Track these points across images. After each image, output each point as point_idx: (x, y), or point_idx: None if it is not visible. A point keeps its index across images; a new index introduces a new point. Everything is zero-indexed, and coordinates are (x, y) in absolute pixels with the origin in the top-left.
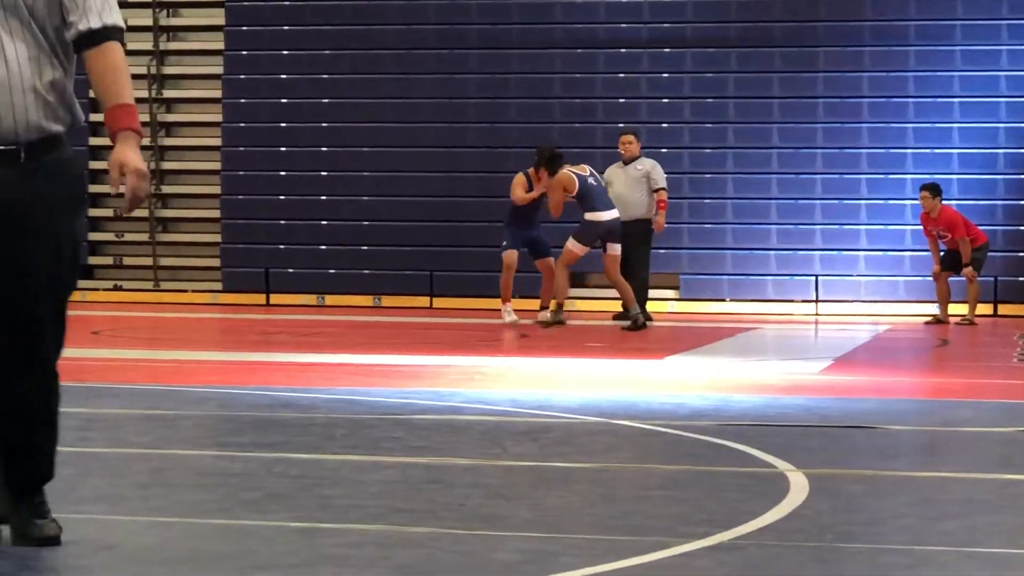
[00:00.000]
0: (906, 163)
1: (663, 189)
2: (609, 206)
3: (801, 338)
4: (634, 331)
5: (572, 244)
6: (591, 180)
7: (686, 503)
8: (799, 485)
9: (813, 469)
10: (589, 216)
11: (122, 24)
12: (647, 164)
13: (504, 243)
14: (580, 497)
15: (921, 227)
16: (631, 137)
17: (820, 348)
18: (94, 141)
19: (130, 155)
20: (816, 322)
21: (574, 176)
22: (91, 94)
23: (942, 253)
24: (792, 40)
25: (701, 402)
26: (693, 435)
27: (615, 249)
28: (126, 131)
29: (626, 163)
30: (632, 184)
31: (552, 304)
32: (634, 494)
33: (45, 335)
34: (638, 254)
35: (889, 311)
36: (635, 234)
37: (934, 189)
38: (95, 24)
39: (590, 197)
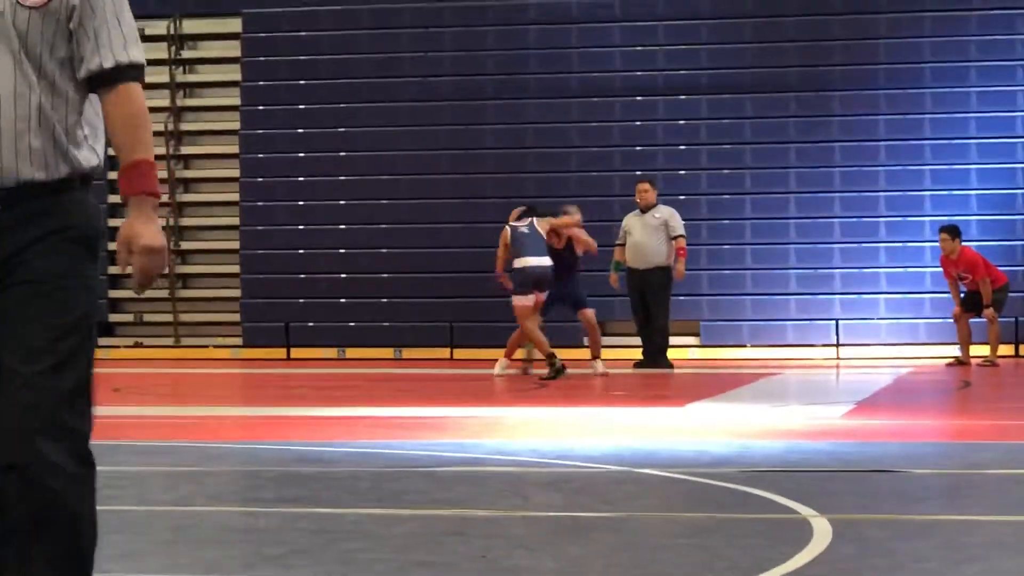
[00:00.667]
0: (924, 205)
1: (681, 236)
2: (539, 253)
3: (822, 382)
4: (553, 380)
5: (515, 299)
6: (523, 229)
7: (709, 551)
8: (822, 531)
9: (836, 514)
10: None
11: (142, 60)
12: (665, 212)
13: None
14: (603, 546)
15: (941, 269)
16: (647, 185)
17: (842, 392)
18: (113, 199)
19: (140, 228)
20: (837, 366)
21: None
22: (110, 152)
23: (963, 294)
24: (807, 85)
25: (723, 449)
26: (716, 482)
27: (540, 297)
28: (139, 196)
29: (643, 211)
30: (650, 232)
31: (521, 354)
32: (657, 542)
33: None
34: (658, 302)
35: (910, 353)
36: (654, 282)
37: (953, 231)
38: (108, 63)
39: (520, 245)
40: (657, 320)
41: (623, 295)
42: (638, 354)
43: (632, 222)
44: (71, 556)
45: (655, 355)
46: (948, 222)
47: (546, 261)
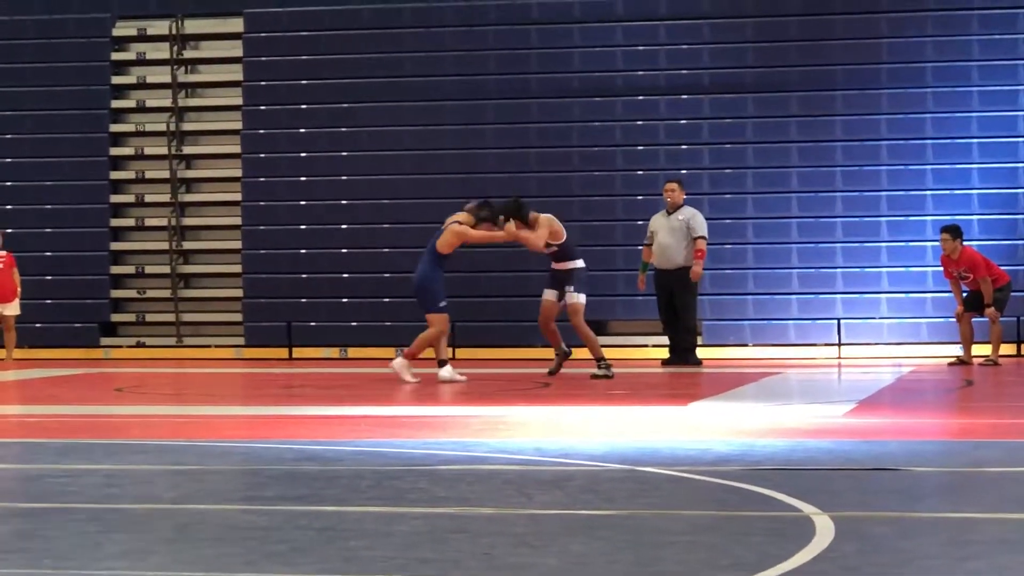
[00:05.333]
0: (926, 205)
1: (702, 237)
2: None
3: (824, 382)
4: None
5: (580, 297)
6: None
7: (712, 548)
8: (825, 528)
9: (839, 512)
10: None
11: None
12: (688, 212)
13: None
14: (606, 544)
15: (942, 269)
16: (674, 185)
17: (844, 391)
18: (115, 199)
19: None
20: (839, 365)
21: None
22: (112, 152)
23: (964, 294)
24: (809, 84)
25: (726, 447)
26: (718, 480)
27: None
28: None
29: (670, 212)
30: (674, 233)
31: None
32: (660, 540)
33: None
34: (684, 301)
35: (912, 353)
36: (680, 282)
37: (954, 231)
38: None
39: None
40: (684, 320)
41: (650, 295)
42: (665, 352)
43: (658, 222)
44: None
45: (684, 353)
46: (950, 221)
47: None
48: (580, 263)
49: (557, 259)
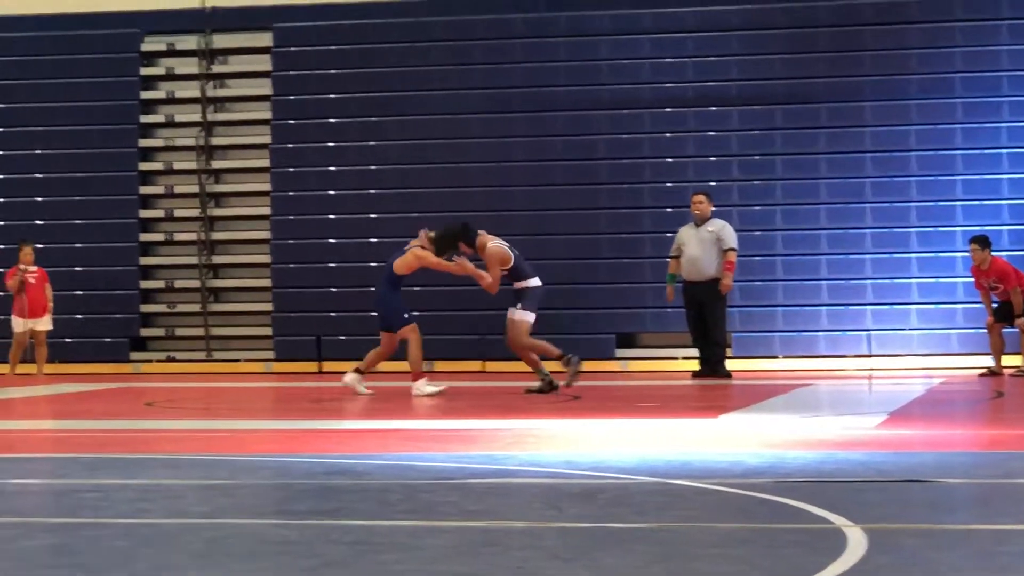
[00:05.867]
0: (956, 215)
1: (732, 249)
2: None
3: (855, 393)
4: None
5: (526, 314)
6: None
7: (744, 561)
8: (857, 540)
9: (871, 524)
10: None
11: None
12: (717, 224)
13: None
14: (638, 557)
15: (972, 279)
16: (702, 197)
17: (874, 403)
18: (145, 214)
19: None
20: (869, 377)
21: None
22: (141, 167)
23: (995, 305)
24: (838, 95)
25: (756, 460)
26: (749, 493)
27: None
28: None
29: (698, 224)
30: (703, 245)
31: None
32: (692, 553)
33: None
34: (715, 314)
35: (942, 364)
36: (709, 294)
37: (983, 241)
38: None
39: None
40: (713, 332)
41: (679, 307)
42: (695, 365)
43: (687, 235)
44: None
45: (714, 365)
46: (980, 232)
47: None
48: (535, 281)
49: (513, 279)
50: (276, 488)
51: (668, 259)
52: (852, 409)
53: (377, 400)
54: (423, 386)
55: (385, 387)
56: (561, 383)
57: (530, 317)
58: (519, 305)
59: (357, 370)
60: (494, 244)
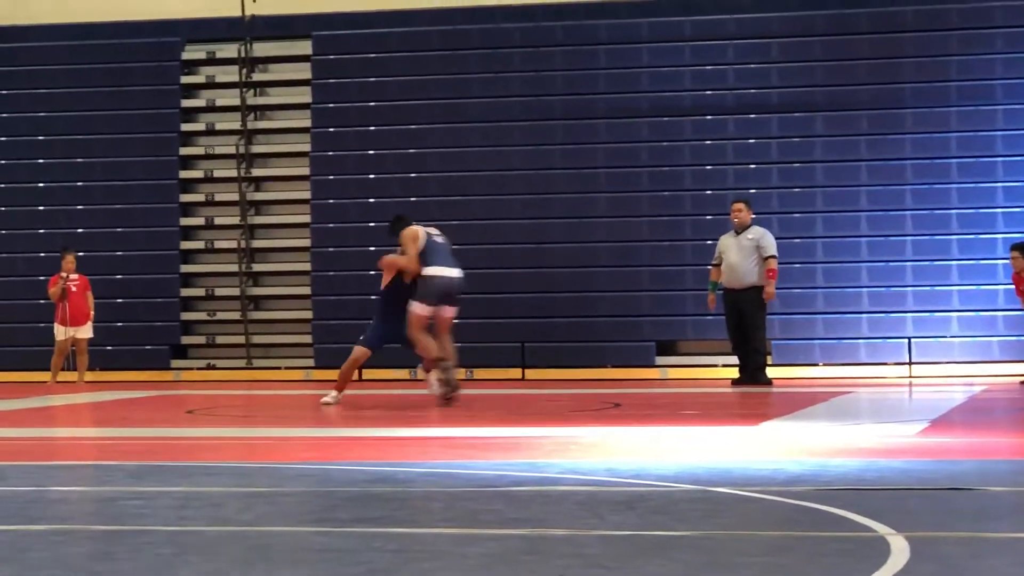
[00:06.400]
0: (996, 222)
1: (773, 257)
2: (452, 264)
3: (896, 401)
4: (448, 399)
5: (416, 306)
6: (437, 237)
7: (787, 570)
8: (900, 549)
9: (914, 532)
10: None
11: None
12: (757, 232)
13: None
14: (681, 565)
15: (1014, 287)
16: (741, 205)
17: (915, 410)
18: (185, 222)
19: None
20: (910, 384)
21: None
22: (181, 175)
23: None
24: (878, 103)
25: (798, 467)
26: (792, 500)
27: (449, 311)
28: None
29: (738, 232)
30: (744, 253)
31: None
32: (734, 561)
33: None
34: (753, 321)
35: (984, 371)
36: (749, 302)
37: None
38: None
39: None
40: (753, 340)
41: (719, 314)
42: (733, 372)
43: (727, 243)
44: None
45: (754, 373)
46: (1021, 239)
47: (457, 271)
48: (436, 271)
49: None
50: (318, 496)
51: (710, 267)
52: (893, 417)
53: (417, 408)
54: (332, 396)
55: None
56: (437, 392)
57: (421, 309)
58: (416, 297)
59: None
60: (411, 228)
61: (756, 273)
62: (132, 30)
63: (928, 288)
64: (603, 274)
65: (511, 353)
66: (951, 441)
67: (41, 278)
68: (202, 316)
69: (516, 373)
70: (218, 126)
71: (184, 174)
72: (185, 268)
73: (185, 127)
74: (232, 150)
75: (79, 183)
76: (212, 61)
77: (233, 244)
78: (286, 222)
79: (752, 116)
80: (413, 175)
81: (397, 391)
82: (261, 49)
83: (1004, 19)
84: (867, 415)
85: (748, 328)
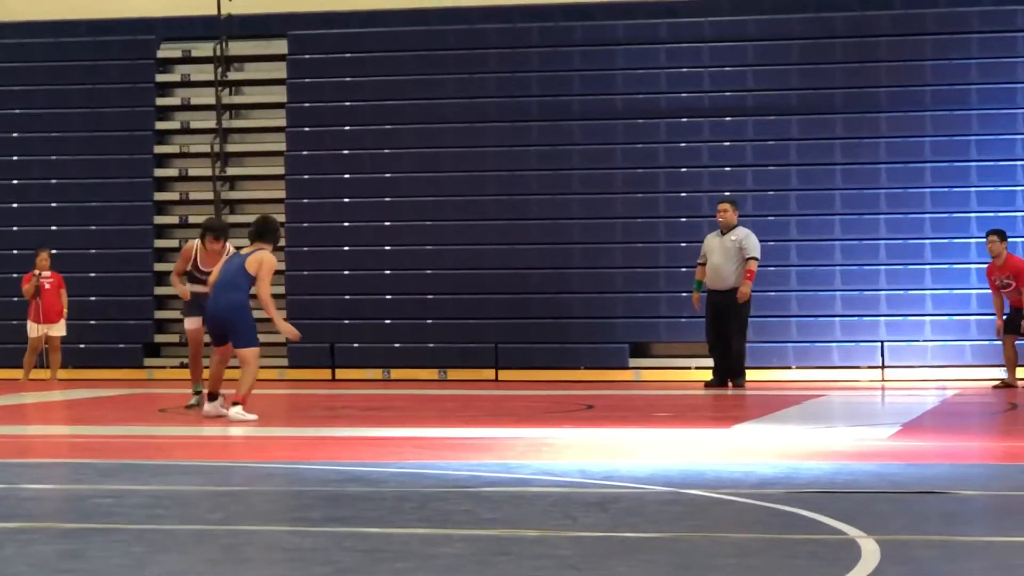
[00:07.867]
0: (970, 227)
1: (753, 259)
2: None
3: (868, 404)
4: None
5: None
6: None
7: (758, 571)
8: (871, 552)
9: (885, 535)
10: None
11: None
12: (740, 233)
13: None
14: (651, 567)
15: (988, 292)
16: (726, 205)
17: (888, 414)
18: (159, 220)
19: None
20: (883, 388)
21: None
22: (156, 173)
23: (1005, 315)
24: (853, 106)
25: (770, 470)
26: (762, 503)
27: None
28: None
29: (723, 233)
30: (727, 254)
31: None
32: (705, 563)
33: None
34: (732, 323)
35: (956, 376)
36: (729, 303)
37: (1001, 234)
38: None
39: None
40: (733, 342)
41: (694, 316)
42: (708, 375)
43: (712, 243)
44: None
45: (732, 375)
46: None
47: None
48: (194, 288)
49: None
50: (290, 495)
51: (696, 266)
52: (866, 420)
53: (390, 408)
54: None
55: (403, 395)
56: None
57: (187, 323)
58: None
59: (235, 402)
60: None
61: (737, 275)
62: (108, 28)
63: (901, 292)
64: (577, 276)
65: (485, 354)
66: (923, 445)
67: (15, 275)
68: (176, 315)
69: (489, 374)
70: (193, 125)
71: (159, 172)
72: (159, 267)
73: (160, 125)
74: (207, 149)
75: (53, 180)
76: (188, 60)
77: None
78: None
79: (727, 119)
80: (388, 175)
81: (371, 391)
82: (237, 48)
83: (979, 24)
84: (840, 418)
85: (729, 330)
